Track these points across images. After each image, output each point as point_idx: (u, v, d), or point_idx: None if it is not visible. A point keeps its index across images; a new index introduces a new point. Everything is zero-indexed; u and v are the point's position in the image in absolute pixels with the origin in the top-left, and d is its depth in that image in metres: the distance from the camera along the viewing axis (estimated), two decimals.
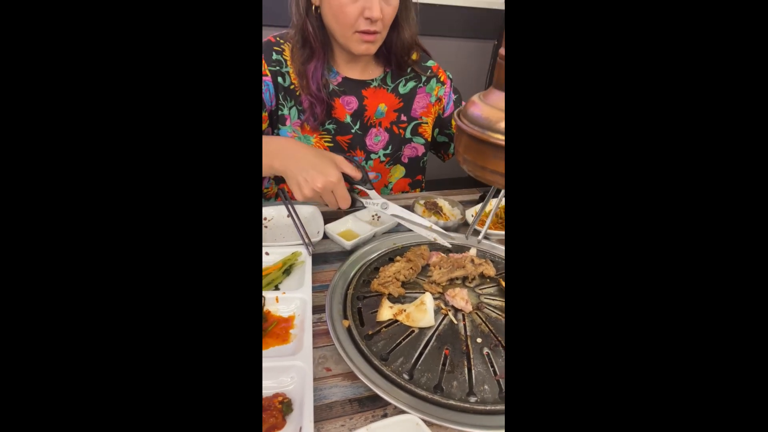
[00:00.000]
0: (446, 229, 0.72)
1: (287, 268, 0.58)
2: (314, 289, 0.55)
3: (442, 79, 0.93)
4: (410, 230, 0.74)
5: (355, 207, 0.62)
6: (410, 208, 0.77)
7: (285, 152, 0.61)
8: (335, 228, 0.69)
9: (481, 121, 0.36)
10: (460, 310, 0.52)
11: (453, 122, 0.44)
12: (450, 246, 0.64)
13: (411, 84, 0.89)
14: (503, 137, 0.33)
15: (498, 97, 0.35)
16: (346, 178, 0.61)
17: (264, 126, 0.83)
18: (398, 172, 0.95)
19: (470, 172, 0.39)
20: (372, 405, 0.43)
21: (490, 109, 0.35)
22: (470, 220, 0.76)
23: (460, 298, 0.51)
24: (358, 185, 0.63)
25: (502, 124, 0.33)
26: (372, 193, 0.63)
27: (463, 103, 1.01)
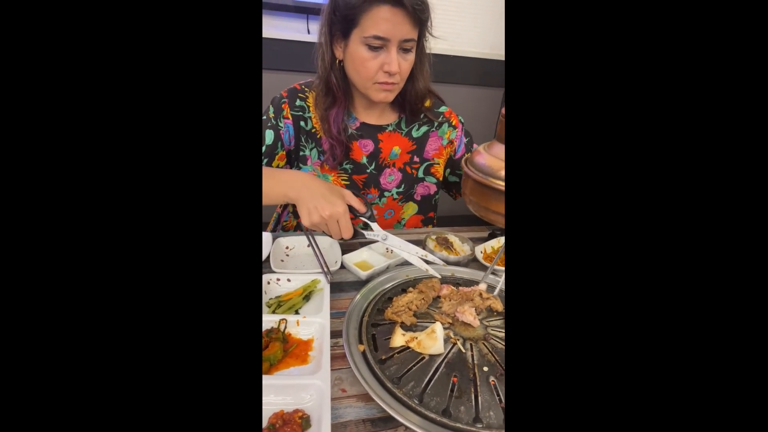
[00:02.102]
0: (456, 264, 0.76)
1: (307, 294, 0.63)
2: (332, 316, 0.59)
3: (453, 124, 1.00)
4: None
5: (356, 238, 0.66)
6: (422, 242, 0.81)
7: (298, 183, 0.67)
8: (352, 259, 0.73)
9: (485, 169, 0.41)
10: (469, 339, 0.55)
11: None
12: (438, 276, 0.68)
13: (424, 128, 0.96)
14: (503, 183, 0.38)
15: (499, 149, 0.41)
16: (352, 210, 0.67)
17: (281, 164, 0.91)
18: (411, 209, 1.01)
19: (475, 211, 0.44)
20: (384, 426, 0.45)
21: (492, 158, 0.41)
22: (479, 255, 0.80)
23: (469, 314, 0.55)
24: (363, 218, 0.68)
25: (503, 172, 0.39)
26: (375, 226, 0.68)
27: (475, 145, 1.08)
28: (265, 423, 0.43)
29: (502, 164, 0.39)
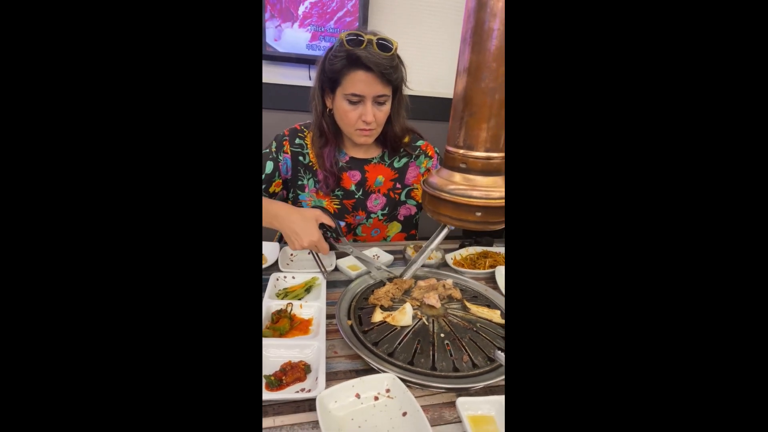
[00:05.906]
0: (428, 266, 0.94)
1: (308, 288, 0.80)
2: (327, 304, 0.76)
3: (430, 154, 1.20)
4: (402, 266, 0.96)
5: (333, 250, 0.88)
6: (402, 251, 0.99)
7: (279, 218, 0.86)
8: (345, 262, 0.91)
9: (436, 186, 0.60)
10: (432, 316, 0.72)
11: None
12: (390, 277, 0.84)
13: (404, 160, 1.17)
14: (447, 195, 0.57)
15: (444, 172, 0.60)
16: (325, 227, 0.87)
17: (278, 190, 1.11)
18: (395, 227, 1.20)
19: (431, 215, 0.63)
20: (365, 374, 0.62)
21: (440, 179, 0.60)
22: (449, 261, 0.98)
23: (433, 298, 0.72)
24: (333, 235, 0.89)
25: (447, 187, 0.58)
26: (343, 240, 0.89)
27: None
28: (277, 368, 0.59)
29: (446, 182, 0.58)
